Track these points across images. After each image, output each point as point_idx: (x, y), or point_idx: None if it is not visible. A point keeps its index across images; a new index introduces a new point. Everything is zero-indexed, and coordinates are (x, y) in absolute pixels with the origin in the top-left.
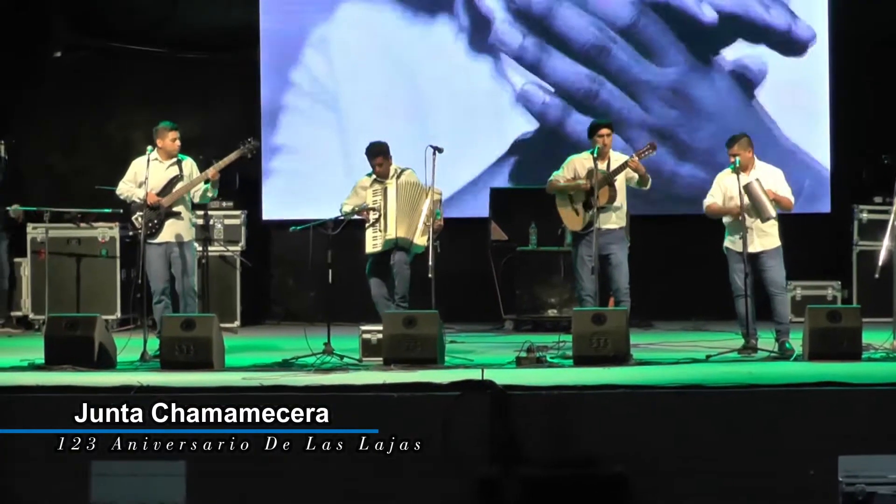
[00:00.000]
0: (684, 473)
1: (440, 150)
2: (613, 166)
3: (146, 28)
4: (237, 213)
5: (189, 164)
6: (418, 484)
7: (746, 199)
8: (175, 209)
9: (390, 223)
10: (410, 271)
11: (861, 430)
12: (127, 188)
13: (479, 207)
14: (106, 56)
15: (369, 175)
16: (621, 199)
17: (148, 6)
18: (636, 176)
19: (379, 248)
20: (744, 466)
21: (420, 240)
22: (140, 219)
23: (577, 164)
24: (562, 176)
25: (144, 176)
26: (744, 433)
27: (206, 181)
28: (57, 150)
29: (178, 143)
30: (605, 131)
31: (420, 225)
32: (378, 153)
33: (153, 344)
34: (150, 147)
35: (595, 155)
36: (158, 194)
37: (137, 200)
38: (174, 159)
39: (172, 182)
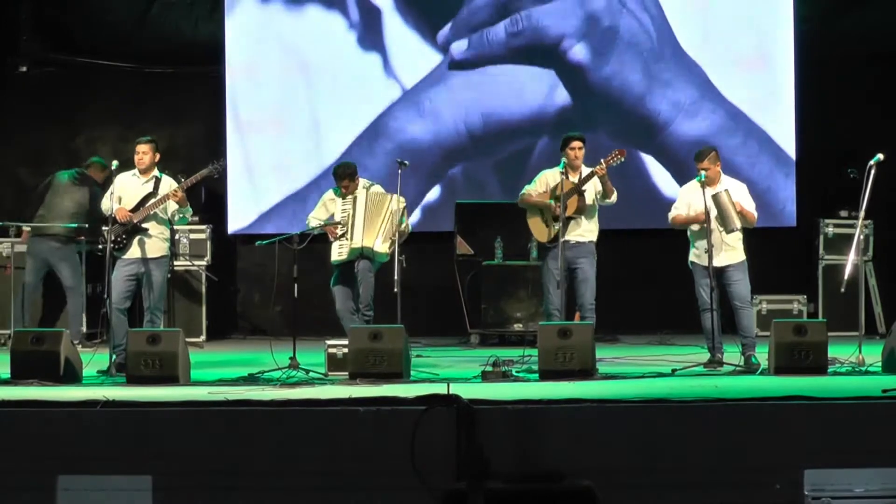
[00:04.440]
0: (650, 487)
1: (406, 165)
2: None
3: (113, 43)
4: (202, 227)
5: (167, 183)
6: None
7: (714, 212)
8: (144, 225)
9: (356, 232)
10: (374, 279)
11: (827, 444)
12: (107, 203)
13: (445, 221)
14: (73, 70)
15: (336, 190)
16: (592, 212)
17: (115, 21)
18: (601, 189)
19: (344, 257)
20: (710, 480)
21: (381, 247)
22: (110, 233)
23: (549, 178)
24: (534, 190)
25: (120, 191)
26: (710, 447)
27: (176, 201)
28: (24, 165)
29: (142, 157)
30: (576, 144)
31: (381, 232)
32: (344, 176)
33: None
34: (115, 162)
35: (561, 169)
36: (132, 210)
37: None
38: (153, 176)
39: (146, 199)
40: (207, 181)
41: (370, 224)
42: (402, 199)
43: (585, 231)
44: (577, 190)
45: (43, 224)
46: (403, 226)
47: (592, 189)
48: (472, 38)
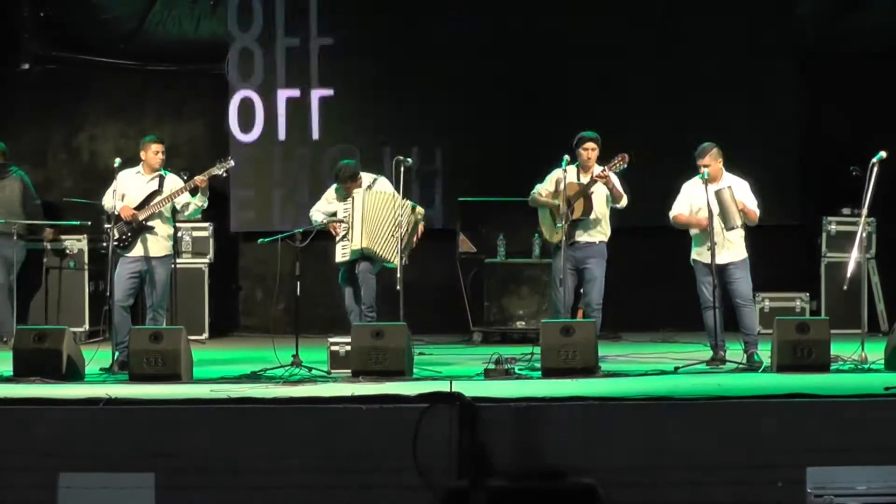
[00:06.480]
0: (653, 485)
1: (408, 163)
2: None
3: (115, 40)
4: (205, 224)
5: (171, 180)
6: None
7: (715, 209)
8: (150, 223)
9: (356, 233)
10: (375, 280)
11: (829, 441)
12: (109, 200)
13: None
14: (75, 68)
15: (338, 189)
16: (601, 213)
17: (117, 19)
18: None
19: (347, 258)
20: (712, 478)
21: (395, 259)
22: (113, 231)
23: (560, 177)
24: (544, 188)
25: (123, 188)
26: (712, 445)
27: (193, 191)
28: (26, 162)
29: (160, 156)
30: (589, 145)
31: (392, 241)
32: (346, 178)
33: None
34: (117, 160)
35: (564, 168)
36: (136, 208)
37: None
38: (156, 174)
39: (151, 196)
40: (215, 179)
41: (373, 228)
42: (420, 210)
43: (595, 232)
44: (583, 193)
45: None
46: (413, 239)
47: (602, 191)
48: None
